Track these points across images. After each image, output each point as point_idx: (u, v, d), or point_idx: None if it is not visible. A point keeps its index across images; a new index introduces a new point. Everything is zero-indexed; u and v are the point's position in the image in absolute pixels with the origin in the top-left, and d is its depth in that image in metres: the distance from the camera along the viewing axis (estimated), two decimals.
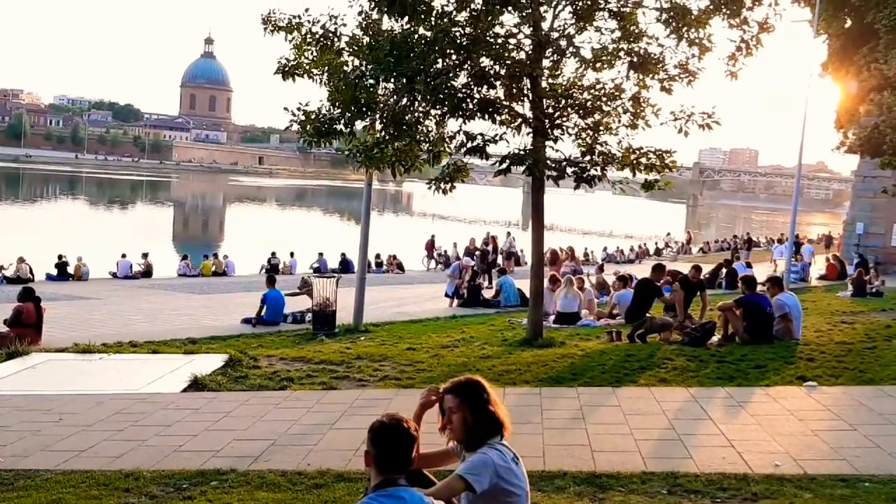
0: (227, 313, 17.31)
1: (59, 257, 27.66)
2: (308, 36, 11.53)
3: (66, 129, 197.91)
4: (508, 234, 35.51)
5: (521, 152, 11.27)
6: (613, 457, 6.30)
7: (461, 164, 12.03)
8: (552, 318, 15.04)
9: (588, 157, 11.71)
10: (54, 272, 26.97)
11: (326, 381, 9.37)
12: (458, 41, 10.68)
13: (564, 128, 11.64)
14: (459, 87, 10.93)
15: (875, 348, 11.12)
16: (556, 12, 11.34)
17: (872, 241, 32.34)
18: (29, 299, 13.07)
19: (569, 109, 11.60)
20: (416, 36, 10.63)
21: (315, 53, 11.61)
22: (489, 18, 10.82)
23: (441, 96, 10.74)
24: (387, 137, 11.18)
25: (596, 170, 11.68)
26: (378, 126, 11.57)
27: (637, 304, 12.59)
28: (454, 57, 10.83)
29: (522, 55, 11.28)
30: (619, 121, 11.70)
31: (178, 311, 18.37)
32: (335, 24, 11.42)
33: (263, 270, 29.68)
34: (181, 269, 30.09)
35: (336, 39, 11.45)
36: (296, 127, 11.66)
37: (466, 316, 16.95)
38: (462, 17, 10.87)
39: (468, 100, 10.97)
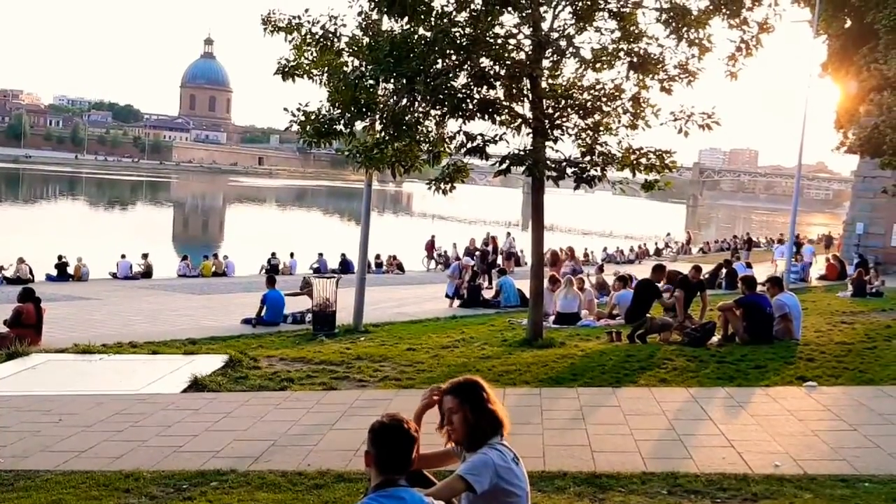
0: (227, 314, 17.31)
1: (59, 258, 27.67)
2: (308, 36, 11.54)
3: (66, 130, 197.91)
4: (508, 234, 35.53)
5: (521, 152, 11.27)
6: (613, 457, 6.30)
7: (461, 164, 12.03)
8: (552, 318, 15.04)
9: (588, 158, 11.71)
10: (54, 273, 26.98)
11: (326, 381, 9.37)
12: (458, 41, 10.68)
13: (564, 128, 11.64)
14: (459, 87, 10.94)
15: (875, 348, 11.12)
16: (556, 13, 11.34)
17: (872, 241, 32.34)
18: (29, 300, 13.08)
19: (569, 110, 11.60)
20: (416, 36, 10.63)
21: (315, 54, 11.62)
22: (489, 19, 10.83)
23: (441, 97, 10.74)
24: (387, 138, 11.19)
25: (596, 170, 11.68)
26: (378, 126, 11.58)
27: (637, 304, 12.59)
28: (454, 57, 10.83)
29: (522, 55, 11.28)
30: (619, 121, 11.70)
31: (178, 312, 18.37)
32: (335, 24, 11.43)
33: (263, 271, 29.69)
34: (181, 270, 30.08)
35: (336, 40, 11.46)
36: (296, 127, 11.67)
37: (466, 316, 16.95)
38: (462, 17, 10.88)
39: (468, 100, 10.98)
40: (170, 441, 7.05)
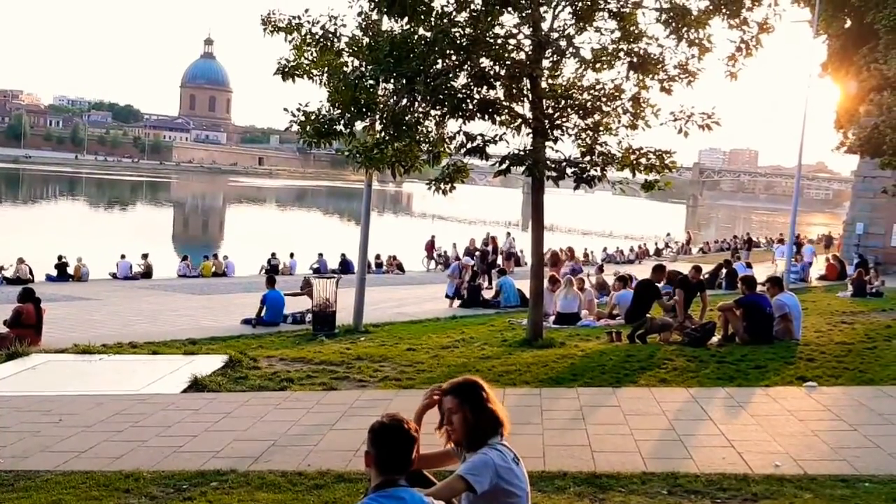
0: (226, 314, 17.32)
1: (59, 258, 27.66)
2: (308, 36, 11.54)
3: (66, 130, 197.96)
4: (508, 234, 35.54)
5: (521, 153, 11.27)
6: (613, 457, 6.30)
7: (461, 164, 12.04)
8: (552, 318, 15.05)
9: (588, 158, 11.72)
10: (54, 273, 26.98)
11: (326, 381, 9.37)
12: (458, 42, 10.68)
13: (564, 128, 11.64)
14: (459, 87, 10.95)
15: (875, 348, 11.12)
16: (556, 13, 11.34)
17: (872, 241, 32.37)
18: (29, 300, 13.08)
19: (569, 110, 11.60)
20: (416, 36, 10.64)
21: (315, 54, 11.62)
22: (489, 19, 10.83)
23: (441, 97, 10.75)
24: (387, 138, 11.19)
25: (596, 170, 11.68)
26: (378, 126, 11.58)
27: (637, 304, 12.59)
28: (454, 57, 10.83)
29: (522, 55, 11.28)
30: (619, 121, 11.71)
31: (178, 312, 18.37)
32: (335, 24, 11.44)
33: (263, 271, 29.68)
34: (181, 270, 30.08)
35: (336, 40, 11.47)
36: (296, 128, 11.67)
37: (466, 316, 16.96)
38: (462, 17, 10.88)
39: (468, 100, 10.98)
40: (170, 441, 7.04)
